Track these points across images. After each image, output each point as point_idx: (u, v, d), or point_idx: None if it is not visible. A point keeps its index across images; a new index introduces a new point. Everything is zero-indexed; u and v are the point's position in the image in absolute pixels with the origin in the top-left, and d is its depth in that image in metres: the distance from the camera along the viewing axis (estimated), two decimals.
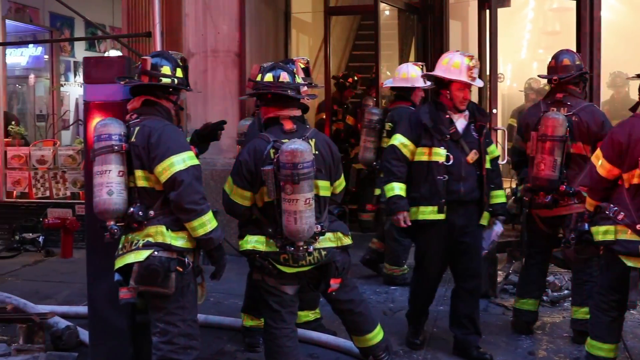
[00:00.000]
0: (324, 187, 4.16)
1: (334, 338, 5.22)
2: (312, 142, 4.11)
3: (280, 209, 3.93)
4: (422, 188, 4.80)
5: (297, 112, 4.23)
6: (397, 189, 4.81)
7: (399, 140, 4.86)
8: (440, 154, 4.75)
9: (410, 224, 4.81)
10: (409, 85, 6.59)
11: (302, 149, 3.84)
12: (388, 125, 6.52)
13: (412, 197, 4.84)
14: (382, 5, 8.82)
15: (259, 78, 4.22)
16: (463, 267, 4.94)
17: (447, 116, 4.80)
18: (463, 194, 4.78)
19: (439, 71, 4.82)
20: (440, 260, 4.97)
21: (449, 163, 4.74)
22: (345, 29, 12.57)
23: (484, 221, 4.93)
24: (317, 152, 4.10)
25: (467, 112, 4.87)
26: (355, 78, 9.89)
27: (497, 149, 5.29)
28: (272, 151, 4.00)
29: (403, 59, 10.26)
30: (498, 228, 5.06)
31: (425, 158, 4.79)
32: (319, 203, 4.09)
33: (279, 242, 4.01)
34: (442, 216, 4.76)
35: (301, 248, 3.97)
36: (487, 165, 4.88)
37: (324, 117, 9.56)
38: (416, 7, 9.71)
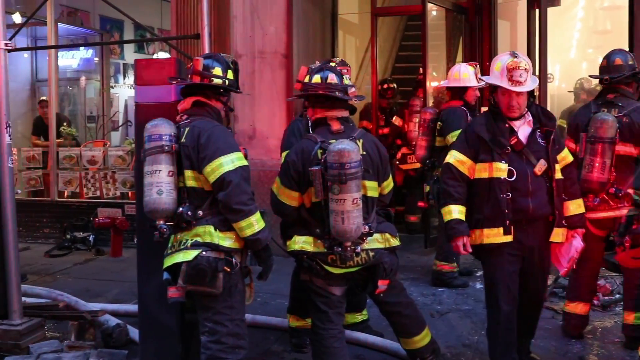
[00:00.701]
0: (372, 188, 4.15)
1: (381, 339, 5.21)
2: (360, 143, 4.09)
3: (327, 210, 3.92)
4: (485, 208, 4.30)
5: (345, 113, 4.23)
6: (456, 211, 4.35)
7: (454, 157, 4.39)
8: (501, 169, 4.24)
9: (470, 250, 4.37)
10: (460, 84, 6.69)
11: (349, 149, 3.83)
12: (439, 124, 6.71)
13: (475, 219, 4.36)
14: (430, 6, 8.75)
15: (307, 79, 4.23)
16: (523, 289, 4.44)
17: (506, 125, 4.30)
18: (532, 210, 4.26)
19: (489, 75, 4.43)
20: (512, 283, 4.40)
21: (512, 178, 4.24)
22: (392, 29, 12.52)
23: (556, 238, 4.37)
24: (364, 153, 4.08)
25: (530, 117, 4.36)
26: (391, 86, 9.82)
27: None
28: (319, 151, 3.99)
29: (450, 59, 10.18)
30: (577, 243, 4.47)
31: (485, 175, 4.29)
32: (367, 204, 4.08)
33: (326, 242, 4.01)
34: (509, 238, 4.26)
35: (349, 249, 3.95)
36: (558, 175, 4.35)
37: (368, 125, 9.53)
38: (464, 7, 9.61)
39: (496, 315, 4.43)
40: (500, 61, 4.27)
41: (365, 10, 10.20)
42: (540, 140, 4.35)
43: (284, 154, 5.00)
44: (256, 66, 8.19)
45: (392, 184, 4.41)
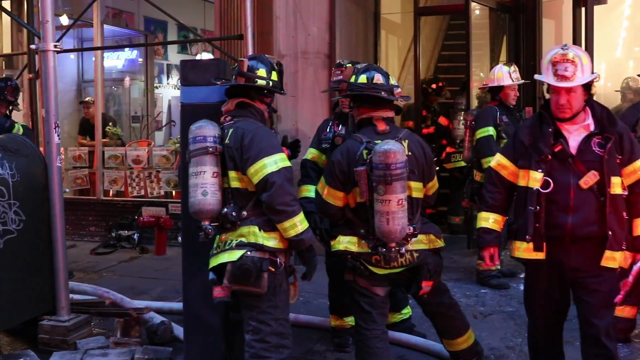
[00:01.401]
0: (417, 189, 4.13)
1: (423, 340, 5.20)
2: (405, 143, 4.08)
3: (372, 210, 3.91)
4: (520, 219, 3.88)
5: (390, 114, 4.22)
6: (487, 219, 4.03)
7: (496, 160, 4.04)
8: (536, 179, 3.77)
9: (497, 263, 4.17)
10: (495, 84, 6.78)
11: (395, 149, 3.81)
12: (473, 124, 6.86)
13: (511, 229, 3.98)
14: (473, 5, 8.68)
15: (352, 79, 4.23)
16: (581, 316, 3.91)
17: (550, 129, 3.79)
18: (571, 228, 3.73)
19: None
20: (547, 307, 3.97)
21: (547, 190, 3.74)
22: (434, 29, 12.44)
23: (608, 262, 3.73)
24: (410, 153, 4.07)
25: (589, 121, 3.83)
26: (440, 85, 9.80)
27: None
28: (365, 152, 3.98)
29: (493, 59, 10.10)
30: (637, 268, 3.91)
31: (524, 183, 3.85)
32: (412, 204, 4.06)
33: (371, 243, 4.00)
34: (539, 255, 3.79)
35: (393, 249, 3.94)
36: (617, 190, 3.73)
37: (412, 124, 9.51)
38: (508, 5, 9.53)
39: (533, 329, 4.16)
40: (548, 55, 3.81)
41: (408, 9, 10.17)
42: (596, 149, 3.76)
43: (309, 150, 5.17)
44: (299, 66, 8.21)
45: (437, 185, 4.39)
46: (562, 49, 3.73)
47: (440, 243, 4.23)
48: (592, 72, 3.78)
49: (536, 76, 3.97)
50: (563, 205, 3.74)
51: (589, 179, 3.72)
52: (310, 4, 8.24)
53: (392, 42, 11.62)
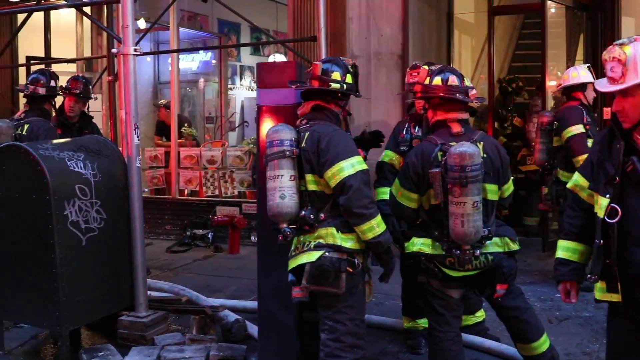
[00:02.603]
0: (492, 191, 4.10)
1: (497, 344, 5.14)
2: (480, 145, 4.05)
3: (447, 212, 3.90)
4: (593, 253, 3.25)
5: (465, 115, 4.19)
6: (563, 249, 3.45)
7: (574, 180, 3.46)
8: (601, 206, 3.11)
9: (574, 300, 3.48)
10: (576, 82, 6.63)
11: (470, 151, 3.79)
12: (555, 124, 6.67)
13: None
14: (549, 3, 8.53)
15: (427, 81, 4.22)
16: None
17: (618, 145, 3.09)
18: None
19: None
20: (630, 356, 3.24)
21: (614, 220, 3.04)
22: (509, 28, 12.26)
23: None
24: (485, 155, 4.03)
25: None
26: (520, 84, 9.66)
27: None
28: (439, 154, 3.97)
29: (570, 58, 9.88)
30: None
31: (595, 209, 3.20)
32: (487, 207, 4.03)
33: (445, 245, 3.99)
34: (614, 297, 3.12)
35: (467, 252, 3.92)
36: None
37: (489, 125, 9.40)
38: (585, 3, 9.31)
39: None
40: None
41: (482, 9, 10.05)
42: None
43: (385, 152, 5.15)
44: (372, 67, 8.20)
45: (512, 188, 4.34)
46: (614, 44, 3.04)
47: (515, 246, 4.17)
48: None
49: (595, 83, 3.46)
50: (636, 238, 3.05)
51: None
52: (383, 5, 8.23)
53: (465, 42, 11.50)
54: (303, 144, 3.91)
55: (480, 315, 5.39)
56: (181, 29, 11.46)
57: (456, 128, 4.11)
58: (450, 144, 3.96)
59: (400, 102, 7.84)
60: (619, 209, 3.05)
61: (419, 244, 4.11)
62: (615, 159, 3.09)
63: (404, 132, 5.11)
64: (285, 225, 3.86)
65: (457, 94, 4.10)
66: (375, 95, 8.19)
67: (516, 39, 12.49)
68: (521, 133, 9.18)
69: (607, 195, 3.09)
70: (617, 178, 3.07)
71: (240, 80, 14.20)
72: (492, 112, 9.46)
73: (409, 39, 8.16)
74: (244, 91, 13.98)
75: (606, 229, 3.08)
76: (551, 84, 8.85)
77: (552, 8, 9.76)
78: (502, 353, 5.04)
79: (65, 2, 6.77)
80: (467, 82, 4.20)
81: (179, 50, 10.88)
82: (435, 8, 9.28)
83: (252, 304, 5.86)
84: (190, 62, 13.69)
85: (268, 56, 13.91)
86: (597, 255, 3.13)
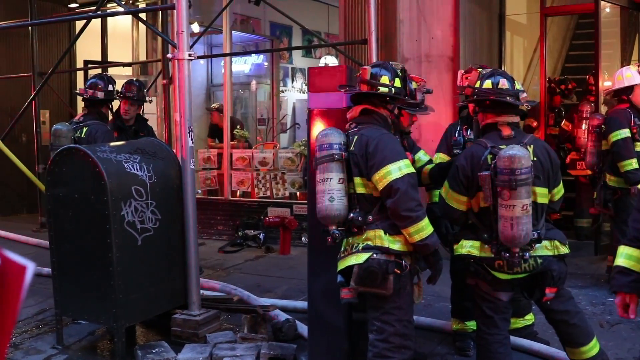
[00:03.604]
0: (542, 194, 4.09)
1: (546, 347, 5.11)
2: (531, 149, 4.05)
3: (496, 215, 3.91)
4: None
5: (516, 119, 4.20)
6: (626, 256, 3.17)
7: None
8: None
9: (632, 316, 3.17)
10: (624, 85, 6.54)
11: (520, 154, 3.80)
12: (602, 127, 6.61)
13: None
14: (603, 4, 8.41)
15: (477, 84, 4.24)
16: None
17: None
18: None
19: None
20: None
21: None
22: (562, 28, 12.12)
23: None
24: (535, 159, 4.03)
25: None
26: (570, 87, 9.54)
27: None
28: (489, 157, 3.99)
29: (625, 59, 9.72)
30: None
31: None
32: (536, 210, 4.02)
33: (494, 247, 3.99)
34: None
35: (516, 255, 3.92)
36: None
37: (534, 124, 9.31)
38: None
39: None
40: None
41: (534, 10, 9.97)
42: None
43: (437, 155, 5.13)
44: (422, 70, 8.20)
45: (562, 191, 4.32)
46: None
47: (564, 250, 4.15)
48: None
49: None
50: None
51: None
52: (434, 6, 8.23)
53: (517, 43, 11.41)
54: (352, 148, 3.96)
55: (529, 318, 5.37)
56: (234, 32, 11.60)
57: (506, 131, 4.12)
58: (500, 147, 3.97)
59: (452, 105, 7.82)
60: None
61: (468, 247, 4.13)
62: None
63: (456, 135, 5.12)
64: (334, 227, 3.91)
65: (508, 97, 4.11)
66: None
67: (570, 40, 12.33)
68: (570, 136, 9.06)
69: None
70: None
71: (292, 82, 14.30)
72: (544, 113, 9.37)
73: (460, 40, 8.14)
74: (295, 93, 14.08)
75: None
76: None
77: (606, 8, 9.62)
78: (551, 356, 5.00)
79: (123, 9, 6.94)
80: (518, 86, 4.21)
81: (232, 54, 11.01)
82: (486, 9, 9.23)
83: (302, 304, 5.93)
84: (243, 65, 13.83)
85: (319, 58, 13.99)
86: None
